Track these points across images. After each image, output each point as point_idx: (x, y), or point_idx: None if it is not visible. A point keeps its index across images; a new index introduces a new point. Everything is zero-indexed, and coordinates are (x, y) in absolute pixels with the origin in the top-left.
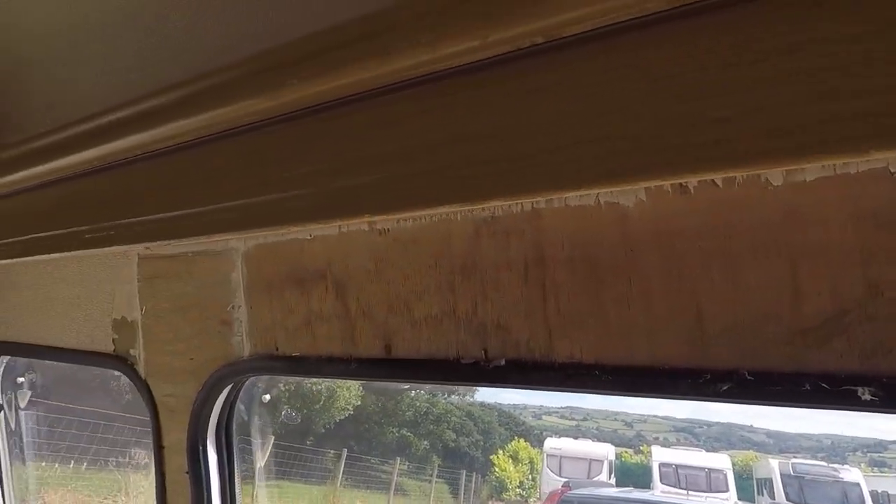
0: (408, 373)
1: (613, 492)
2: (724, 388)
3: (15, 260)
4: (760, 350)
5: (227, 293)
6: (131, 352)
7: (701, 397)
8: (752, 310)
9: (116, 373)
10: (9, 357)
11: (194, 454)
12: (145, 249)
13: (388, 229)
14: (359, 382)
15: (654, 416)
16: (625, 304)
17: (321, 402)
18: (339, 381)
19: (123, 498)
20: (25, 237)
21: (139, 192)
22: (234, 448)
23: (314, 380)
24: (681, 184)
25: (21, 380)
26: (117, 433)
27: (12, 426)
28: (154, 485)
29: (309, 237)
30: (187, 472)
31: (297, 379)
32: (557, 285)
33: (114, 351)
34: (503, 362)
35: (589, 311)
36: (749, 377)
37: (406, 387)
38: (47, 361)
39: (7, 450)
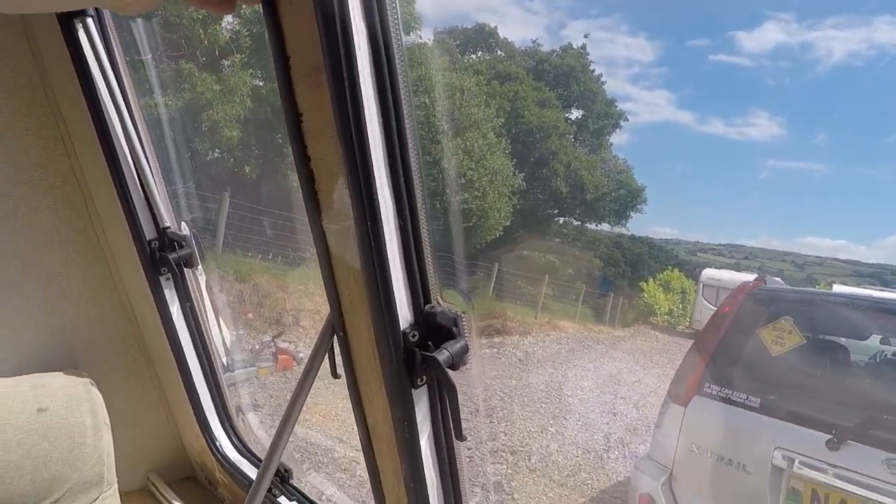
0: None
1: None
2: None
3: None
4: None
5: None
6: None
7: None
8: None
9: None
10: None
11: None
12: None
13: None
14: (510, 203)
15: (834, 259)
16: None
17: (472, 222)
18: (490, 202)
19: (312, 286)
20: None
21: None
22: None
23: (466, 197)
24: None
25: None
26: (308, 233)
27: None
28: None
29: None
30: None
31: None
32: None
33: None
34: None
35: None
36: None
37: (555, 212)
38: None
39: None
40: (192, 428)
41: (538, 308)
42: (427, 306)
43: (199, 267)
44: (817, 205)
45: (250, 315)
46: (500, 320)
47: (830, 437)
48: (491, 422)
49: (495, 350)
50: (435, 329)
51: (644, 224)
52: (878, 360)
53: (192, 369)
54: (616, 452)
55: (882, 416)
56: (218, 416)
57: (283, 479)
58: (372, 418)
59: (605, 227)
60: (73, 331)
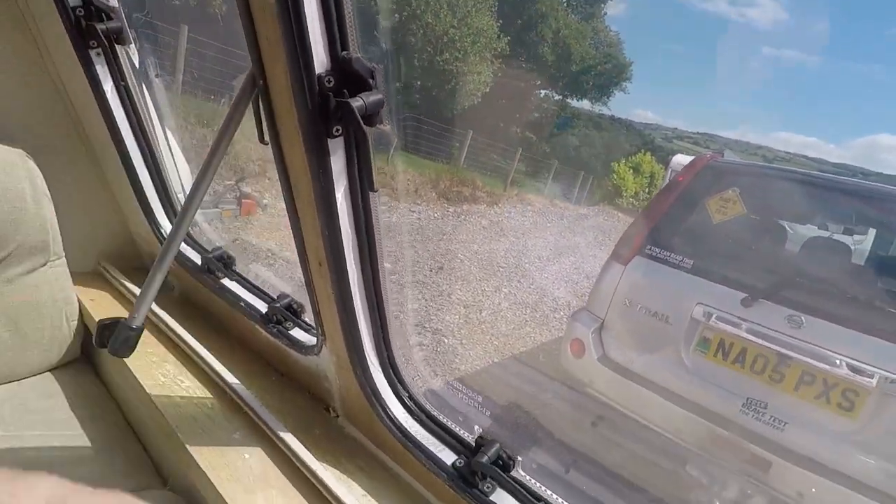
0: None
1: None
2: None
3: None
4: None
5: None
6: None
7: None
8: None
9: None
10: None
11: None
12: None
13: None
14: (491, 69)
15: (803, 156)
16: None
17: (452, 84)
18: (471, 65)
19: None
20: None
21: None
22: None
23: (446, 57)
24: None
25: None
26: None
27: None
28: None
29: None
30: None
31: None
32: None
33: None
34: None
35: None
36: None
37: (538, 83)
38: None
39: None
40: (138, 216)
41: (508, 181)
42: (344, 52)
43: (133, 47)
44: (800, 99)
45: None
46: (469, 189)
47: (746, 295)
48: (449, 279)
49: (462, 217)
50: (351, 78)
51: (627, 105)
52: (809, 240)
53: (131, 154)
54: (562, 313)
55: (794, 279)
56: (161, 203)
57: (226, 265)
58: (293, 176)
59: (586, 104)
60: (6, 115)
